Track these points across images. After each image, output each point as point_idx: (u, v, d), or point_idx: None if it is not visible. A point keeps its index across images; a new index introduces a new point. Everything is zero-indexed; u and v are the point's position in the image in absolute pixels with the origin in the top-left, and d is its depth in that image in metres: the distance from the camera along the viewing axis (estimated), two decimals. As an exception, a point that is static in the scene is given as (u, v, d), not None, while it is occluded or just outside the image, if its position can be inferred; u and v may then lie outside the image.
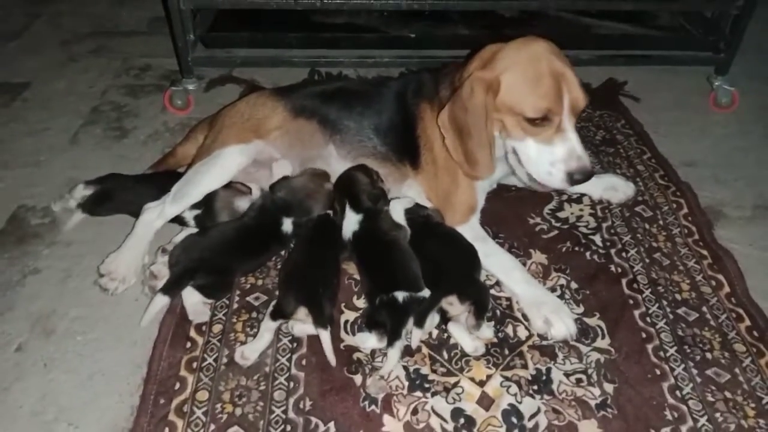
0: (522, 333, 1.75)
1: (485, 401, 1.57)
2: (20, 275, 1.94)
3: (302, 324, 1.68)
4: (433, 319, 1.70)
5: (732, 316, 1.80)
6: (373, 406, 1.54)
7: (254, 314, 1.79)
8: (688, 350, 1.70)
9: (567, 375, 1.63)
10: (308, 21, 3.13)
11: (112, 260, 1.89)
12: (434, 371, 1.63)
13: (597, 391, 1.59)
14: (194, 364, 1.65)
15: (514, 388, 1.59)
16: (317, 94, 2.14)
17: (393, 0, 2.66)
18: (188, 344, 1.70)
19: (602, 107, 2.80)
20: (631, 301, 1.85)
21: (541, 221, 2.14)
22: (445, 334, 1.72)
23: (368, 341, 1.67)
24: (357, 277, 1.89)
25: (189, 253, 1.81)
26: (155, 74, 3.11)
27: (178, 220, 1.99)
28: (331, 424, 1.51)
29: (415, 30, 3.06)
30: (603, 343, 1.72)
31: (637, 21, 3.20)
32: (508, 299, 1.84)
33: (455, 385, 1.60)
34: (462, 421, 1.52)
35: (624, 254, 2.01)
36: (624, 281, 1.92)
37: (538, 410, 1.55)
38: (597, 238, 2.07)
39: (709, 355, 1.69)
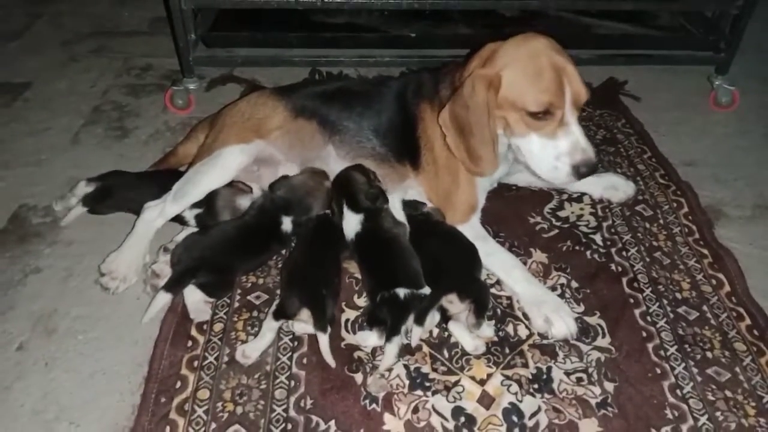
0: (522, 332, 1.75)
1: (486, 400, 1.57)
2: (21, 274, 1.94)
3: (304, 324, 1.68)
4: (434, 317, 1.70)
5: (732, 315, 1.80)
6: (373, 405, 1.55)
7: (255, 313, 1.79)
8: (689, 349, 1.70)
9: (567, 374, 1.63)
10: (309, 20, 3.14)
11: (113, 259, 1.90)
12: (435, 370, 1.64)
13: (597, 390, 1.59)
14: (195, 363, 1.65)
15: (514, 387, 1.59)
16: (317, 95, 2.14)
17: (393, -1, 2.67)
18: (189, 343, 1.70)
19: (603, 106, 2.80)
20: (632, 300, 1.85)
21: (541, 220, 2.14)
22: (446, 333, 1.73)
23: (369, 339, 1.68)
24: (358, 275, 1.89)
25: (191, 251, 1.82)
26: (156, 74, 3.11)
27: (179, 220, 1.99)
28: (332, 423, 1.51)
29: (415, 29, 3.07)
30: (603, 342, 1.72)
31: (637, 21, 3.20)
32: (509, 298, 1.85)
33: (456, 383, 1.60)
34: (462, 419, 1.52)
35: (624, 253, 2.02)
36: (624, 280, 1.92)
37: (539, 409, 1.55)
38: (597, 237, 2.08)
39: (709, 354, 1.69)
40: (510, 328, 1.76)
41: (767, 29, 3.36)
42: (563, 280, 1.91)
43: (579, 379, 1.62)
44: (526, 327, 1.76)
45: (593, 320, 1.79)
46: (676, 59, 2.99)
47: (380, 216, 1.89)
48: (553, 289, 1.88)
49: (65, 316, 1.80)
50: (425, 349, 1.69)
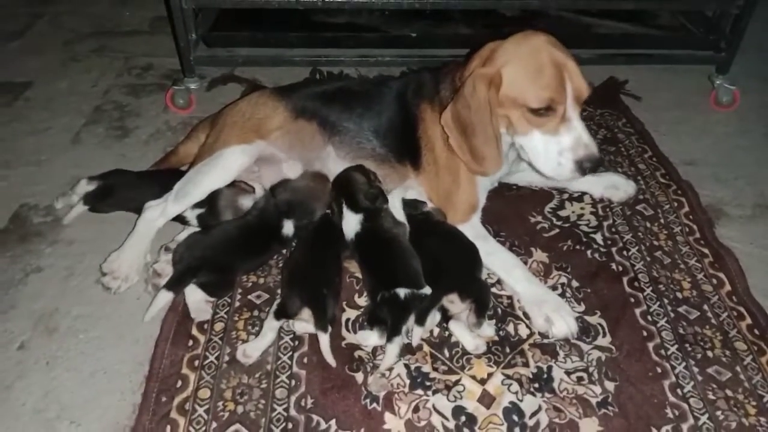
0: (523, 331, 1.75)
1: (486, 399, 1.57)
2: (22, 274, 1.94)
3: (305, 323, 1.68)
4: (435, 317, 1.70)
5: (733, 315, 1.80)
6: (374, 404, 1.55)
7: (256, 312, 1.79)
8: (689, 348, 1.70)
9: (568, 373, 1.64)
10: (309, 20, 3.14)
11: (114, 259, 1.90)
12: (435, 369, 1.64)
13: (598, 389, 1.59)
14: (196, 362, 1.65)
15: (515, 386, 1.59)
16: (318, 95, 2.14)
17: (394, -1, 2.67)
18: (190, 342, 1.70)
19: (603, 106, 2.80)
20: (632, 300, 1.85)
21: (542, 220, 2.14)
22: (447, 332, 1.73)
23: (370, 338, 1.68)
24: (358, 275, 1.89)
25: (192, 250, 1.82)
26: (157, 73, 3.11)
27: (180, 219, 1.99)
28: (333, 422, 1.51)
29: (416, 29, 3.07)
30: (604, 341, 1.72)
31: (637, 20, 3.20)
32: (510, 297, 1.85)
33: (456, 383, 1.60)
34: (463, 419, 1.52)
35: (625, 253, 2.02)
36: (625, 279, 1.92)
37: (539, 408, 1.55)
38: (598, 237, 2.08)
39: (710, 354, 1.69)
40: (511, 328, 1.76)
41: (768, 29, 3.37)
42: (564, 280, 1.91)
43: (579, 379, 1.62)
44: (527, 326, 1.76)
45: (594, 319, 1.79)
46: (676, 59, 2.99)
47: (380, 216, 1.89)
48: (554, 288, 1.88)
49: (66, 315, 1.81)
50: (426, 348, 1.69)
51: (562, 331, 1.71)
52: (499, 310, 1.81)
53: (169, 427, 1.50)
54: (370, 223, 1.87)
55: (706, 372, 1.64)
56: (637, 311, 1.81)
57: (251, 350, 1.65)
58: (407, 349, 1.67)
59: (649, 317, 1.79)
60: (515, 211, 2.18)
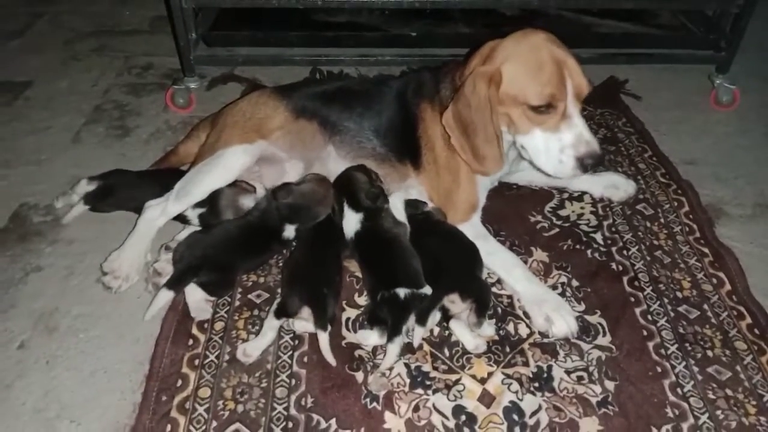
0: (523, 330, 1.75)
1: (486, 398, 1.57)
2: (22, 273, 1.94)
3: (305, 322, 1.69)
4: (435, 316, 1.70)
5: (733, 314, 1.80)
6: (374, 403, 1.55)
7: (256, 312, 1.79)
8: (689, 348, 1.70)
9: (568, 372, 1.64)
10: (309, 20, 3.14)
11: (114, 258, 1.90)
12: (435, 368, 1.64)
13: (598, 389, 1.59)
14: (196, 362, 1.65)
15: (515, 386, 1.59)
16: (318, 95, 2.14)
17: (394, -2, 2.67)
18: (190, 341, 1.70)
19: (603, 106, 2.80)
20: (632, 299, 1.85)
21: (542, 219, 2.14)
22: (447, 332, 1.73)
23: (370, 338, 1.68)
24: (359, 274, 1.89)
25: (193, 250, 1.82)
26: (157, 73, 3.11)
27: (180, 218, 1.99)
28: (333, 421, 1.51)
29: (416, 28, 3.07)
30: (604, 340, 1.72)
31: (637, 19, 3.20)
32: (510, 297, 1.85)
33: (456, 382, 1.61)
34: (463, 418, 1.52)
35: (625, 252, 2.02)
36: (625, 279, 1.92)
37: (539, 407, 1.55)
38: (598, 236, 2.08)
39: (710, 353, 1.69)
40: (511, 327, 1.76)
41: (768, 28, 3.37)
42: (564, 279, 1.91)
43: (579, 378, 1.62)
44: (527, 326, 1.76)
45: (594, 319, 1.79)
46: (676, 58, 2.99)
47: (380, 215, 1.89)
48: (554, 287, 1.88)
49: (66, 315, 1.81)
50: (426, 347, 1.69)
51: (562, 331, 1.71)
52: (500, 310, 1.81)
53: (169, 426, 1.50)
54: (370, 222, 1.87)
55: (706, 371, 1.64)
56: (637, 310, 1.81)
57: (251, 349, 1.65)
58: (407, 349, 1.67)
59: (649, 316, 1.79)
60: (515, 210, 2.18)
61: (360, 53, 2.88)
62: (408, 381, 1.60)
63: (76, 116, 2.74)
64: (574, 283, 1.90)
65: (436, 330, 1.73)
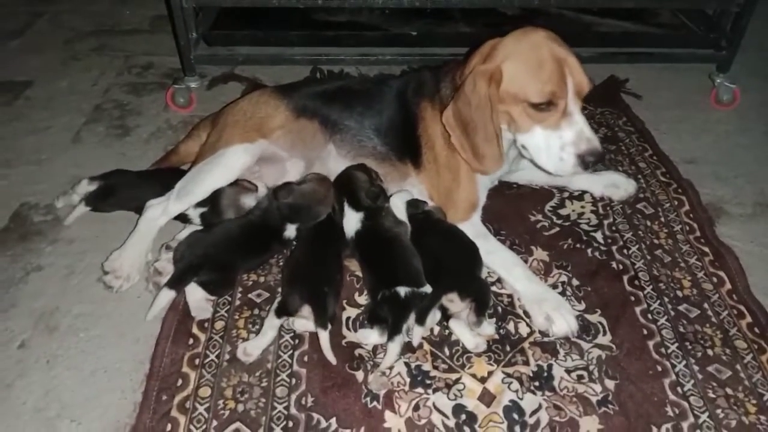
0: (523, 330, 1.75)
1: (486, 397, 1.57)
2: (23, 272, 1.95)
3: (305, 321, 1.69)
4: (435, 315, 1.70)
5: (733, 313, 1.80)
6: (374, 402, 1.55)
7: (256, 311, 1.79)
8: (690, 347, 1.70)
9: (568, 371, 1.64)
10: (310, 19, 3.14)
11: (116, 258, 1.90)
12: (436, 368, 1.64)
13: (598, 388, 1.59)
14: (196, 361, 1.65)
15: (515, 385, 1.59)
16: (318, 94, 2.15)
17: (394, -3, 2.67)
18: (190, 341, 1.70)
19: (604, 105, 2.80)
20: (633, 298, 1.85)
21: (542, 218, 2.14)
22: (447, 331, 1.73)
23: (370, 337, 1.68)
24: (359, 273, 1.89)
25: (193, 249, 1.82)
26: (157, 72, 3.11)
27: (181, 218, 1.99)
28: (333, 420, 1.51)
29: (416, 28, 3.07)
30: (604, 339, 1.72)
31: (638, 18, 3.20)
32: (510, 296, 1.85)
33: (457, 381, 1.61)
34: (463, 417, 1.52)
35: (625, 251, 2.02)
36: (625, 278, 1.92)
37: (540, 406, 1.55)
38: (598, 235, 2.08)
39: (710, 352, 1.69)
40: (511, 326, 1.76)
41: (768, 27, 3.36)
42: (564, 278, 1.91)
43: (580, 377, 1.62)
44: (527, 325, 1.76)
45: (594, 318, 1.79)
46: (677, 57, 2.98)
47: (380, 215, 1.89)
48: (554, 286, 1.88)
49: (67, 314, 1.81)
50: (426, 346, 1.69)
51: (563, 330, 1.71)
52: (500, 309, 1.81)
53: (169, 426, 1.50)
54: (370, 221, 1.87)
55: (706, 370, 1.64)
56: (638, 309, 1.81)
57: (252, 348, 1.65)
58: (407, 348, 1.67)
59: (650, 315, 1.79)
60: (515, 209, 2.18)
61: (360, 52, 2.88)
62: (408, 380, 1.60)
63: (76, 116, 2.74)
64: (575, 282, 1.90)
65: (436, 329, 1.73)
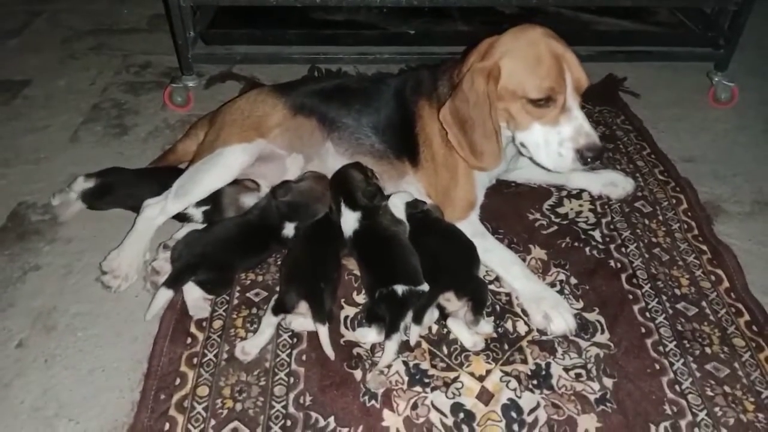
0: (521, 328, 1.75)
1: (485, 396, 1.57)
2: (21, 272, 1.94)
3: (302, 319, 1.69)
4: (432, 314, 1.70)
5: (731, 311, 1.81)
6: (372, 401, 1.55)
7: (254, 310, 1.79)
8: (688, 345, 1.70)
9: (566, 370, 1.64)
10: (308, 18, 3.14)
11: (114, 257, 1.89)
12: (434, 366, 1.64)
13: (596, 386, 1.59)
14: (194, 360, 1.65)
15: (513, 383, 1.59)
16: (316, 92, 2.14)
17: (392, -4, 2.67)
18: (188, 340, 1.70)
19: (602, 103, 2.80)
20: (631, 296, 1.85)
21: (540, 217, 2.14)
22: (445, 330, 1.73)
23: (368, 336, 1.68)
24: (357, 272, 1.89)
25: (191, 248, 1.82)
26: (155, 71, 3.11)
27: (179, 217, 1.99)
28: (331, 419, 1.51)
29: (414, 26, 3.07)
30: (602, 338, 1.72)
31: (636, 17, 3.21)
32: (508, 294, 1.85)
33: (455, 380, 1.61)
34: (462, 415, 1.52)
35: (623, 249, 2.02)
36: (623, 276, 1.92)
37: (538, 405, 1.55)
38: (596, 234, 2.08)
39: (708, 350, 1.69)
40: (509, 325, 1.76)
41: (766, 25, 3.36)
42: (562, 277, 1.91)
43: (578, 375, 1.62)
44: (525, 323, 1.76)
45: (592, 316, 1.79)
46: (675, 56, 2.99)
47: (378, 214, 1.89)
48: (552, 285, 1.88)
49: (65, 313, 1.81)
50: (424, 345, 1.69)
51: (561, 328, 1.71)
52: (498, 307, 1.81)
53: (167, 425, 1.50)
54: (368, 220, 1.87)
55: (704, 368, 1.64)
56: (636, 308, 1.81)
57: (250, 347, 1.65)
58: (405, 347, 1.67)
59: (648, 314, 1.79)
60: (514, 208, 2.18)
61: (358, 51, 2.88)
62: (406, 379, 1.60)
63: (74, 115, 2.74)
64: (573, 280, 1.90)
65: (435, 328, 1.73)
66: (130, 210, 2.05)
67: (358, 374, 1.61)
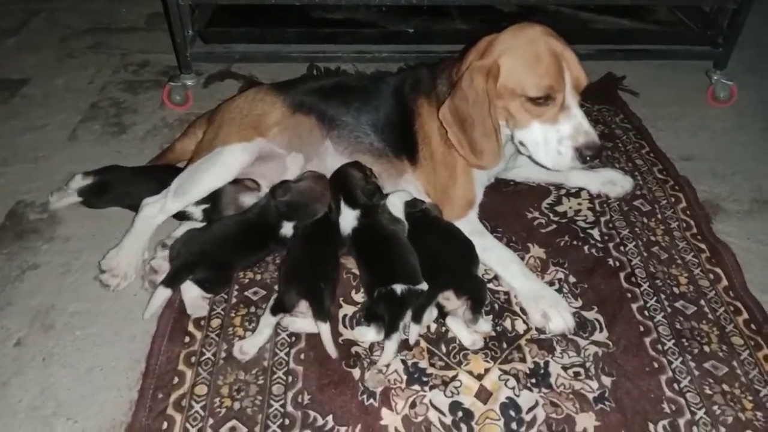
0: (520, 327, 1.75)
1: (483, 394, 1.57)
2: (19, 270, 1.94)
3: (301, 319, 1.68)
4: (431, 313, 1.70)
5: (730, 310, 1.80)
6: (371, 400, 1.55)
7: (252, 309, 1.79)
8: (686, 343, 1.70)
9: (565, 368, 1.64)
10: (307, 16, 3.13)
11: (112, 256, 1.89)
12: (432, 365, 1.64)
13: (595, 385, 1.59)
14: (193, 359, 1.65)
15: (512, 382, 1.59)
16: (315, 90, 2.14)
17: (391, -5, 2.67)
18: (187, 339, 1.70)
19: (601, 102, 2.80)
20: (629, 295, 1.85)
21: (539, 215, 2.14)
22: (443, 328, 1.73)
23: (367, 334, 1.68)
24: (355, 271, 1.89)
25: (190, 246, 1.81)
26: (154, 70, 3.10)
27: (179, 215, 1.99)
28: (330, 418, 1.51)
29: (413, 25, 3.06)
30: (601, 336, 1.72)
31: (635, 15, 3.20)
32: (507, 293, 1.85)
33: (453, 378, 1.60)
34: (460, 414, 1.52)
35: (622, 248, 2.02)
36: (622, 275, 1.92)
37: (536, 403, 1.55)
38: (595, 232, 2.08)
39: (706, 348, 1.69)
40: (507, 323, 1.76)
41: (765, 24, 3.36)
42: (561, 275, 1.91)
43: (576, 374, 1.62)
44: (524, 322, 1.76)
45: (591, 315, 1.79)
46: (674, 54, 2.98)
47: (377, 212, 1.89)
48: (551, 283, 1.88)
49: (63, 312, 1.80)
50: (423, 344, 1.69)
51: (559, 327, 1.71)
52: (496, 306, 1.81)
53: (165, 424, 1.50)
54: (367, 219, 1.87)
55: (702, 367, 1.64)
56: (634, 306, 1.81)
57: (248, 347, 1.65)
58: (404, 345, 1.66)
59: (646, 312, 1.79)
60: (512, 206, 2.18)
61: (357, 50, 2.88)
62: (405, 377, 1.60)
63: (72, 114, 2.73)
64: (571, 279, 1.90)
65: (433, 326, 1.73)
66: (128, 208, 2.05)
67: (356, 373, 1.61)
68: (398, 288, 1.65)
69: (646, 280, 1.90)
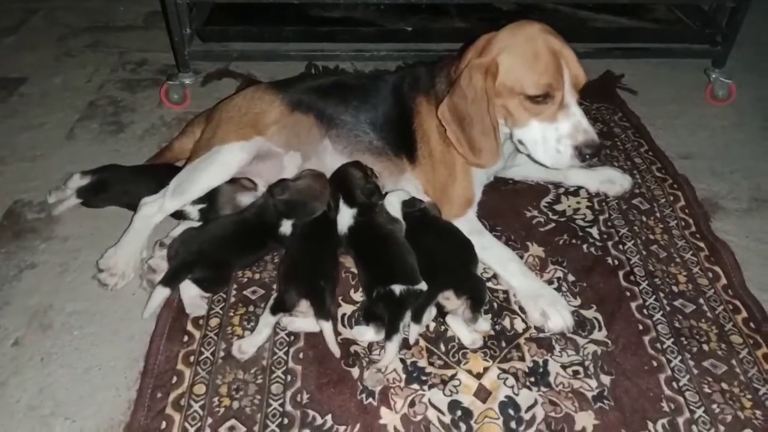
0: (519, 325, 1.75)
1: (482, 393, 1.57)
2: (17, 270, 1.94)
3: (301, 318, 1.68)
4: (431, 312, 1.70)
5: (728, 308, 1.80)
6: (370, 399, 1.54)
7: (251, 308, 1.79)
8: (685, 342, 1.70)
9: (564, 367, 1.63)
10: (305, 15, 3.12)
11: (111, 255, 1.89)
12: (431, 364, 1.63)
13: (594, 383, 1.59)
14: (191, 358, 1.65)
15: (511, 381, 1.59)
16: (314, 89, 2.14)
17: (390, -7, 2.66)
18: (185, 338, 1.70)
19: (599, 100, 2.80)
20: (628, 293, 1.85)
21: (538, 214, 2.14)
22: (443, 327, 1.72)
23: (366, 334, 1.68)
24: (354, 270, 1.89)
25: (188, 246, 1.81)
26: (151, 69, 3.10)
27: (176, 214, 1.99)
28: (329, 417, 1.51)
29: (411, 23, 3.06)
30: (600, 335, 1.72)
31: (633, 14, 3.20)
32: (506, 292, 1.85)
33: (452, 377, 1.60)
34: (459, 413, 1.52)
35: (621, 246, 2.02)
36: (621, 273, 1.92)
37: (535, 402, 1.55)
38: (594, 231, 2.08)
39: (705, 347, 1.69)
40: (507, 322, 1.76)
41: (764, 22, 3.36)
42: (560, 274, 1.91)
43: (575, 373, 1.62)
44: (523, 321, 1.76)
45: (590, 313, 1.79)
46: (672, 52, 2.98)
47: (374, 211, 1.88)
48: (550, 282, 1.87)
49: (61, 312, 1.80)
50: (422, 343, 1.69)
51: (558, 326, 1.71)
52: (495, 305, 1.80)
53: (164, 423, 1.49)
54: (363, 217, 1.86)
55: (701, 365, 1.64)
56: (633, 305, 1.81)
57: (247, 346, 1.65)
58: (403, 344, 1.66)
59: (645, 311, 1.79)
60: (511, 205, 2.17)
61: (355, 48, 2.88)
62: (404, 376, 1.60)
63: (70, 112, 2.73)
64: (570, 277, 1.90)
65: (432, 325, 1.73)
66: (126, 207, 2.04)
67: (355, 372, 1.61)
68: (397, 288, 1.65)
69: (645, 279, 1.90)
